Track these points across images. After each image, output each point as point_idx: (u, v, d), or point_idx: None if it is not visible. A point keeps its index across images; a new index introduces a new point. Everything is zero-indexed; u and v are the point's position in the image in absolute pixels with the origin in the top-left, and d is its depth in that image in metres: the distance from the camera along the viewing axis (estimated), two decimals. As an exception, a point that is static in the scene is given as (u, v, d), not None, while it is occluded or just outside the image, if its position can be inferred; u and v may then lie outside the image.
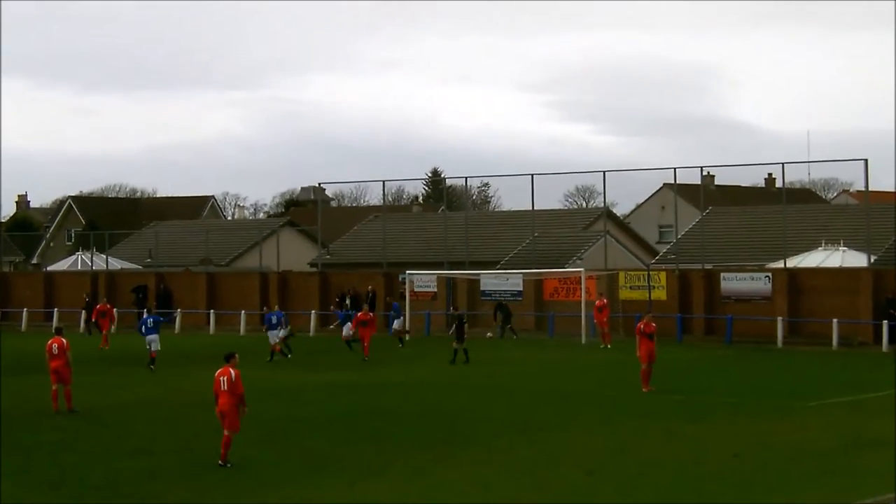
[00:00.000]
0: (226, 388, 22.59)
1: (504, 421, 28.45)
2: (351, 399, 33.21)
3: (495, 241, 69.61)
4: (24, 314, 67.04)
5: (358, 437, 26.03)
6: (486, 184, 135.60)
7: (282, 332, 46.28)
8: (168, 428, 27.90)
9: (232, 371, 22.68)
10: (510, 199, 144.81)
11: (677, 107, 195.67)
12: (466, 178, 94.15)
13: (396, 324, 54.28)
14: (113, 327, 55.41)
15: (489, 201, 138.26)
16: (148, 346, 41.73)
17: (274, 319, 46.43)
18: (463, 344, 43.24)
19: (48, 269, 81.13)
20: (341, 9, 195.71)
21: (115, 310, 57.89)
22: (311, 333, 58.85)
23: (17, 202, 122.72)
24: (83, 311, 63.08)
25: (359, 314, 46.80)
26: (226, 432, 22.49)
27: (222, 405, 22.64)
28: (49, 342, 30.91)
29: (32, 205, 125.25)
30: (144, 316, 45.88)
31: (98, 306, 55.22)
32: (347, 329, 48.48)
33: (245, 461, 22.76)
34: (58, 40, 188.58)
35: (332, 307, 60.20)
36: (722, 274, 55.17)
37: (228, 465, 22.34)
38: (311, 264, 72.67)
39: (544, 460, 23.08)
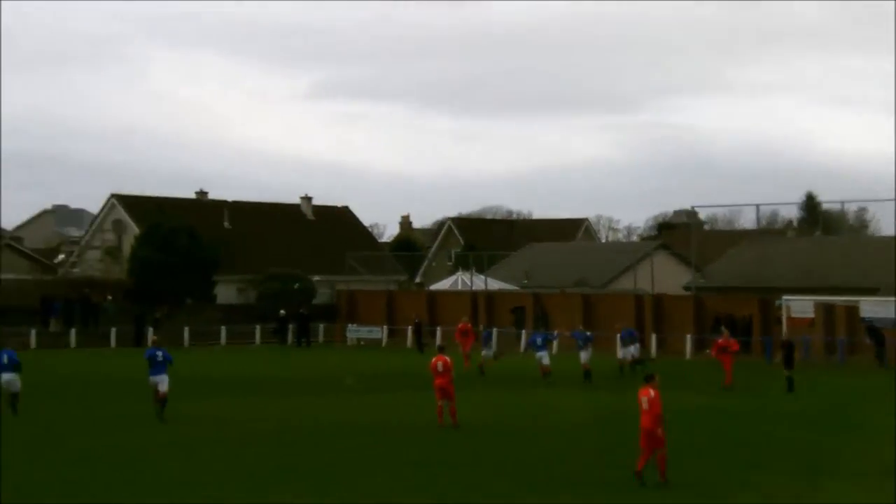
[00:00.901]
0: (646, 407, 22.95)
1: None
2: (734, 425, 32.52)
3: (873, 267, 67.05)
4: (409, 332, 69.14)
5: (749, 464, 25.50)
6: (864, 208, 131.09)
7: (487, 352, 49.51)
8: (533, 446, 28.10)
9: (652, 391, 23.01)
10: (890, 224, 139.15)
11: None
12: (843, 202, 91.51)
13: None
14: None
15: (867, 226, 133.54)
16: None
17: (539, 341, 47.05)
18: (790, 371, 42.00)
19: (431, 288, 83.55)
20: (713, 32, 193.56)
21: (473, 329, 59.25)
22: (686, 357, 58.29)
23: (400, 223, 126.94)
24: (410, 329, 65.25)
25: (719, 340, 45.94)
26: (657, 450, 22.91)
27: (646, 424, 23.01)
28: (434, 360, 31.77)
29: (415, 225, 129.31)
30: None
31: (460, 325, 56.26)
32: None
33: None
34: (437, 70, 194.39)
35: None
36: None
37: (664, 482, 22.77)
38: (686, 287, 72.02)
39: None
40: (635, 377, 44.53)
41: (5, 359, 35.14)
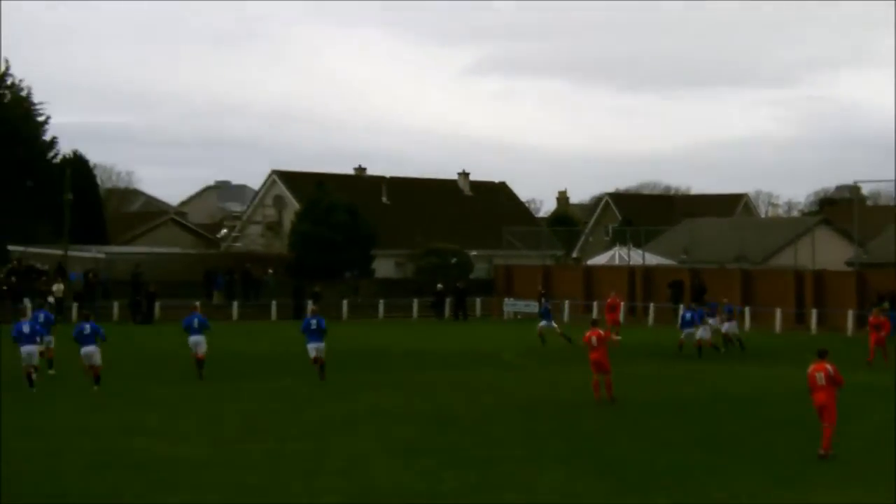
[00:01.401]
0: (823, 382, 22.51)
1: None
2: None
3: None
4: (566, 306, 68.82)
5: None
6: None
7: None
8: (705, 422, 27.61)
9: (828, 366, 22.59)
10: None
11: None
12: None
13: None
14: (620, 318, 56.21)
15: None
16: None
17: (688, 316, 46.48)
18: None
19: (588, 263, 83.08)
20: (873, 4, 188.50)
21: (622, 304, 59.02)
22: (848, 333, 56.96)
23: (557, 198, 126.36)
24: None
25: (870, 317, 44.65)
26: (826, 426, 22.51)
27: (821, 400, 22.63)
28: (587, 334, 31.41)
29: (572, 201, 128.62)
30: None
31: (609, 300, 56.02)
32: None
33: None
34: (596, 45, 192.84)
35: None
36: None
37: (831, 456, 22.30)
38: (848, 263, 70.33)
39: None
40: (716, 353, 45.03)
41: (195, 322, 37.00)
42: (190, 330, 37.14)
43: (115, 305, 65.32)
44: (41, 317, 37.23)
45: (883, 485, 20.20)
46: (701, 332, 45.56)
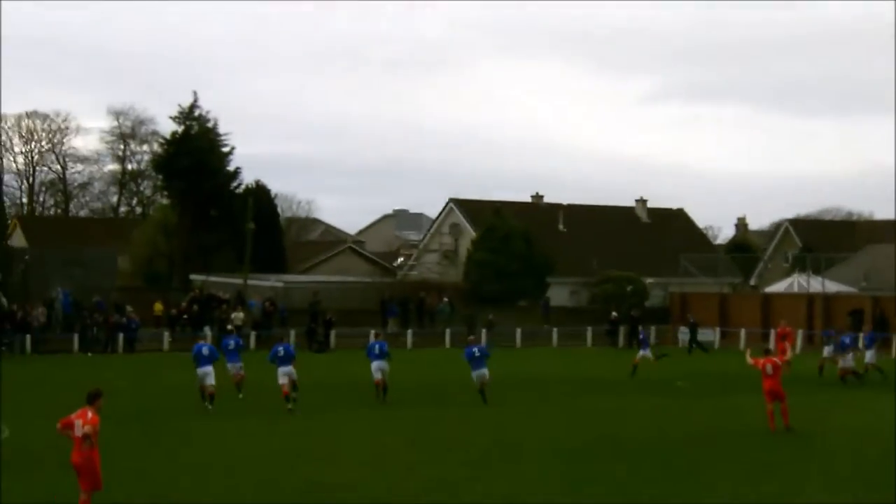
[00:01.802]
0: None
1: None
2: None
3: None
4: (742, 334, 67.70)
5: None
6: None
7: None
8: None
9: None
10: None
11: None
12: None
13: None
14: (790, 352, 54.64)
15: None
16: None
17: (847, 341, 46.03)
18: None
19: (766, 290, 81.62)
20: None
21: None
22: None
23: (736, 225, 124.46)
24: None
25: None
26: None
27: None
28: (762, 362, 30.75)
29: (751, 227, 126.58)
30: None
31: (779, 329, 55.12)
32: None
33: None
34: (774, 70, 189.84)
35: None
36: None
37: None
38: None
39: None
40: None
41: (377, 349, 38.25)
42: (371, 355, 38.30)
43: (292, 333, 66.33)
44: (231, 343, 39.57)
45: None
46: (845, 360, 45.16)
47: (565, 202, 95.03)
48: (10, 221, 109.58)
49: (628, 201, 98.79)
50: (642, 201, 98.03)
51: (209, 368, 35.51)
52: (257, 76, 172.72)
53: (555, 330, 72.14)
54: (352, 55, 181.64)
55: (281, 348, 36.19)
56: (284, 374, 35.66)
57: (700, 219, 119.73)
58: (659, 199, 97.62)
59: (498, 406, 36.01)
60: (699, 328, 68.57)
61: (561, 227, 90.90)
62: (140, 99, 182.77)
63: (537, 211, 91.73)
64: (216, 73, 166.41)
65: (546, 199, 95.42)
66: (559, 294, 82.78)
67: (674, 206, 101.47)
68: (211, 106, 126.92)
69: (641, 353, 49.92)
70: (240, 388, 38.74)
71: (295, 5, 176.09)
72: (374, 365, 38.09)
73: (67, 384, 41.40)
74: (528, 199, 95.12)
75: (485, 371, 36.81)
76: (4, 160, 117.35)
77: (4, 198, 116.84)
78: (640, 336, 52.85)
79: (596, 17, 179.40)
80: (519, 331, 70.89)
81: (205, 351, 35.75)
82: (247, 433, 30.30)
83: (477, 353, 37.07)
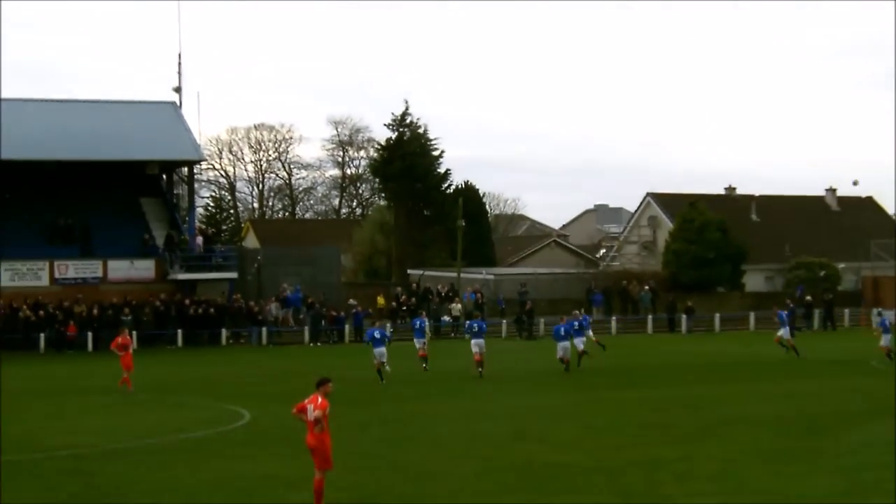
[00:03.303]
0: None
1: None
2: None
3: None
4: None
5: None
6: None
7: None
8: None
9: None
10: None
11: None
12: None
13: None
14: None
15: None
16: None
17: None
18: None
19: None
20: None
21: None
22: None
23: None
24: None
25: None
26: None
27: None
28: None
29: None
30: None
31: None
32: None
33: None
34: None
35: None
36: None
37: None
38: None
39: None
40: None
41: (576, 325, 42.21)
42: (468, 332, 42.23)
43: (503, 323, 66.66)
44: (417, 323, 44.39)
45: None
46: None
47: (757, 193, 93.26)
48: (243, 225, 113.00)
49: (818, 191, 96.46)
50: (832, 190, 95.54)
51: (383, 349, 39.20)
52: (463, 83, 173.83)
53: (752, 314, 70.74)
54: (553, 72, 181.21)
55: (377, 332, 40.01)
56: (379, 353, 39.06)
57: (890, 205, 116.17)
58: (848, 188, 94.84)
59: (698, 384, 35.45)
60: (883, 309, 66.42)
61: (754, 216, 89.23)
62: (356, 109, 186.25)
63: (731, 202, 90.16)
64: (425, 84, 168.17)
65: (738, 191, 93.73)
66: (755, 280, 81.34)
67: (863, 194, 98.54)
68: (420, 113, 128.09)
69: (783, 332, 48.24)
70: (424, 362, 42.68)
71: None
72: (474, 342, 40.60)
73: (299, 372, 42.31)
74: (722, 192, 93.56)
75: (577, 342, 41.57)
76: (236, 169, 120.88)
77: (238, 203, 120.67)
78: (785, 315, 49.91)
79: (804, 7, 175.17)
80: (717, 316, 69.82)
81: (377, 335, 39.61)
82: (456, 415, 30.34)
83: (577, 326, 41.82)
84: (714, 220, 77.70)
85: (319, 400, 17.83)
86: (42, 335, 59.78)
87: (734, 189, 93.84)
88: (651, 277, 76.00)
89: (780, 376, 40.12)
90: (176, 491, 20.21)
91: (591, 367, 41.74)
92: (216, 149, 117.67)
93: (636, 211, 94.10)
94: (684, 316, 67.87)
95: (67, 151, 65.64)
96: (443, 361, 45.82)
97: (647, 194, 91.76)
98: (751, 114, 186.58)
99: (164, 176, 72.51)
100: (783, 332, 48.04)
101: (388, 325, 49.92)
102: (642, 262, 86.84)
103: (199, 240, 67.61)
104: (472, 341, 40.84)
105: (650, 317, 69.23)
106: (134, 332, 59.87)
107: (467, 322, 43.49)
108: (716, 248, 76.29)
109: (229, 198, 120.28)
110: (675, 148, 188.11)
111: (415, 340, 43.62)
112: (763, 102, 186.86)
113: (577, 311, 45.34)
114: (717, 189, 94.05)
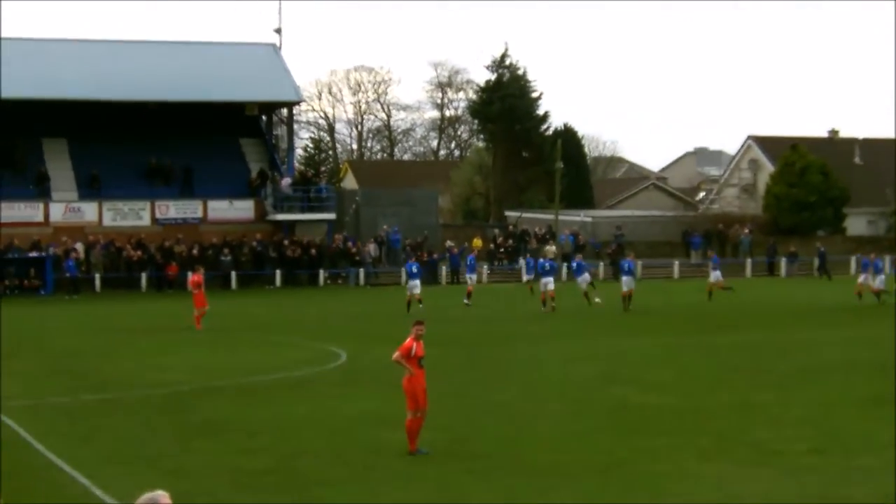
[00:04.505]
0: None
1: None
2: None
3: None
4: None
5: None
6: None
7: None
8: None
9: None
10: None
11: None
12: None
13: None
14: None
15: None
16: None
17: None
18: None
19: None
20: None
21: None
22: None
23: None
24: None
25: None
26: None
27: None
28: None
29: None
30: None
31: None
32: None
33: None
34: None
35: None
36: None
37: None
38: None
39: None
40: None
41: (625, 266, 44.82)
42: (540, 270, 45.16)
43: (601, 265, 66.44)
44: (413, 268, 45.96)
45: None
46: None
47: (861, 136, 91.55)
48: (342, 165, 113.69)
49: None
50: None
51: (417, 282, 43.71)
52: (565, 25, 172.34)
53: (853, 258, 69.62)
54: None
55: (414, 266, 45.23)
56: (413, 286, 43.53)
57: None
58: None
59: (795, 329, 35.13)
60: None
61: (857, 160, 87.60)
62: (455, 50, 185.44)
63: (833, 145, 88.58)
64: (526, 31, 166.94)
65: (842, 134, 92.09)
66: (857, 224, 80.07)
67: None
68: (520, 56, 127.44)
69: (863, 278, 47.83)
70: (468, 296, 46.67)
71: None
72: (543, 281, 43.83)
73: (396, 314, 42.64)
74: (825, 135, 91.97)
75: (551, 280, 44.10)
76: (335, 110, 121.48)
77: (337, 144, 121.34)
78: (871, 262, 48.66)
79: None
80: (816, 261, 68.79)
81: (413, 269, 44.49)
82: (546, 357, 30.43)
83: (548, 267, 44.26)
84: (816, 163, 76.54)
85: (409, 342, 18.02)
86: (143, 275, 60.91)
87: (837, 132, 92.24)
88: (751, 221, 75.14)
89: (876, 322, 39.53)
90: (272, 429, 20.60)
91: (684, 311, 41.45)
92: (316, 90, 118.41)
93: (736, 154, 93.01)
94: (784, 259, 67.08)
95: (168, 92, 66.37)
96: (533, 304, 45.97)
97: (748, 137, 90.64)
98: (855, 55, 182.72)
99: (264, 117, 73.08)
100: (870, 279, 47.26)
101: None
102: (742, 206, 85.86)
103: (286, 181, 66.67)
104: (542, 280, 43.97)
105: (749, 260, 68.52)
106: (233, 273, 60.91)
107: (539, 261, 46.91)
108: (817, 191, 75.22)
109: (328, 139, 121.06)
110: (777, 89, 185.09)
111: (409, 283, 45.31)
112: (866, 43, 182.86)
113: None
114: (820, 132, 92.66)
